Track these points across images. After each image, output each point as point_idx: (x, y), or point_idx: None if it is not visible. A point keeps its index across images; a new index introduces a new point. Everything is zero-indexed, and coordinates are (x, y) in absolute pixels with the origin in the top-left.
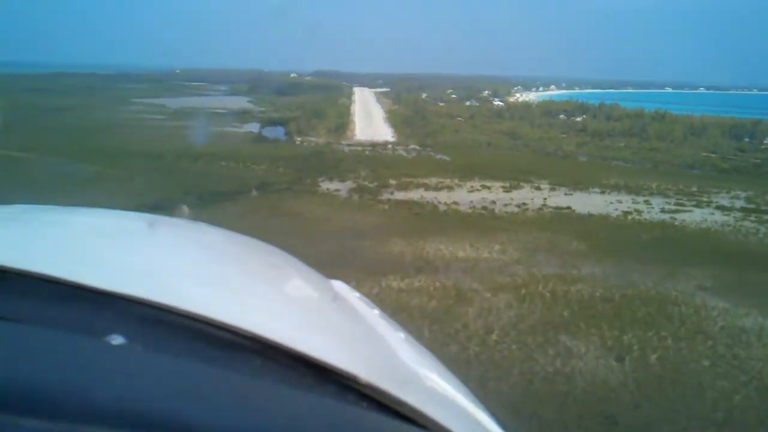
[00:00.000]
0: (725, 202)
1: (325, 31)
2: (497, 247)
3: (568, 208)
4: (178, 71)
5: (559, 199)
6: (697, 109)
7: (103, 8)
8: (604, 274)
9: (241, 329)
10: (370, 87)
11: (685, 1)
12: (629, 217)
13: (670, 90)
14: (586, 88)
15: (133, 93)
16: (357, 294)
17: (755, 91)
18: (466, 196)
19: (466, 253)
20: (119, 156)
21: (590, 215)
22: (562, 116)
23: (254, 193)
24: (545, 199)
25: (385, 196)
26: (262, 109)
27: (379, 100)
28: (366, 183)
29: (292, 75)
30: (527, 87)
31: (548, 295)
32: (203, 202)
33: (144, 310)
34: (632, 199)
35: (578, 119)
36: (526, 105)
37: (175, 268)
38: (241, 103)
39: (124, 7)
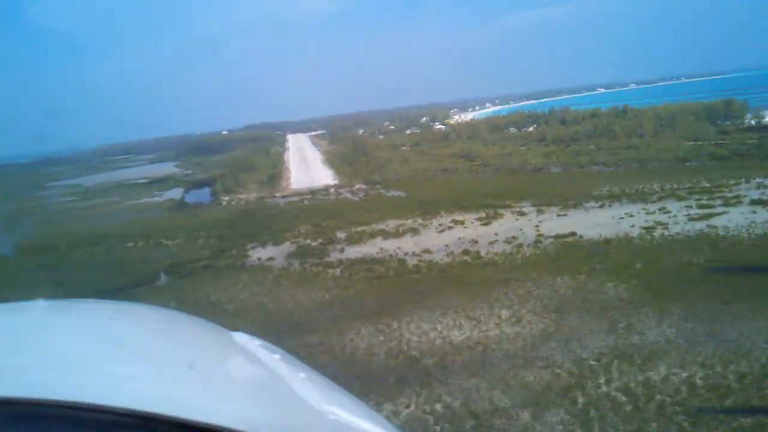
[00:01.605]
0: (755, 194)
1: (253, 84)
2: (506, 313)
3: (573, 234)
4: (105, 147)
5: (553, 223)
6: (642, 102)
7: (24, 95)
8: (684, 334)
9: (112, 408)
10: (305, 132)
11: (599, 4)
12: (656, 234)
13: (602, 90)
14: (521, 101)
15: (51, 176)
16: (258, 341)
17: (683, 80)
18: (438, 238)
19: (464, 334)
20: None
21: (606, 240)
22: (512, 129)
23: (162, 280)
24: (537, 226)
25: (334, 256)
26: (189, 171)
27: (314, 143)
28: (308, 242)
29: (223, 133)
30: (463, 109)
31: (625, 400)
32: None
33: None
34: (643, 208)
35: (530, 129)
36: (471, 124)
37: (37, 354)
38: (167, 169)
39: (45, 89)
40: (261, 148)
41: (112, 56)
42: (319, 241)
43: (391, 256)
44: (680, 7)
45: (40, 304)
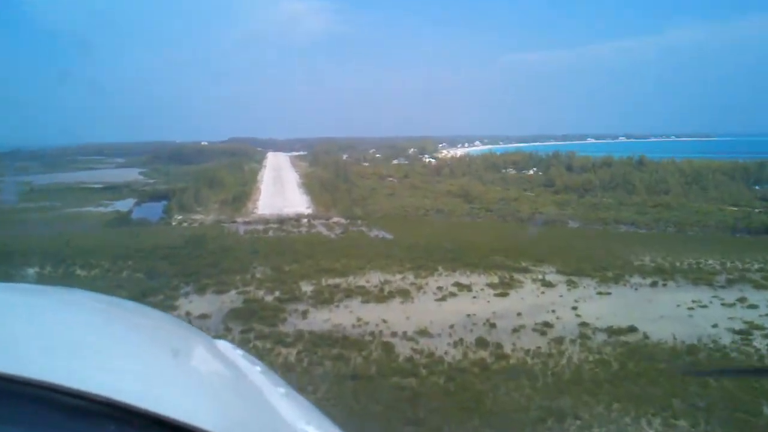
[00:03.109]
0: None
1: (242, 97)
2: None
3: (633, 329)
4: (80, 146)
5: (596, 306)
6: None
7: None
8: None
9: (90, 394)
10: (288, 152)
11: (595, 56)
12: (760, 346)
13: (592, 140)
14: (510, 143)
15: (4, 171)
16: (240, 352)
17: (673, 138)
18: (438, 311)
19: None
20: None
21: (689, 349)
22: (510, 170)
23: None
24: (575, 308)
25: (293, 323)
26: (151, 181)
27: (294, 164)
28: (261, 294)
29: (203, 143)
30: (452, 144)
31: None
32: None
33: None
34: (714, 296)
35: (530, 172)
36: (465, 159)
37: (30, 336)
38: (131, 175)
39: (31, 82)
40: (235, 164)
41: (102, 55)
42: (276, 294)
43: (372, 334)
44: (675, 66)
45: (27, 287)
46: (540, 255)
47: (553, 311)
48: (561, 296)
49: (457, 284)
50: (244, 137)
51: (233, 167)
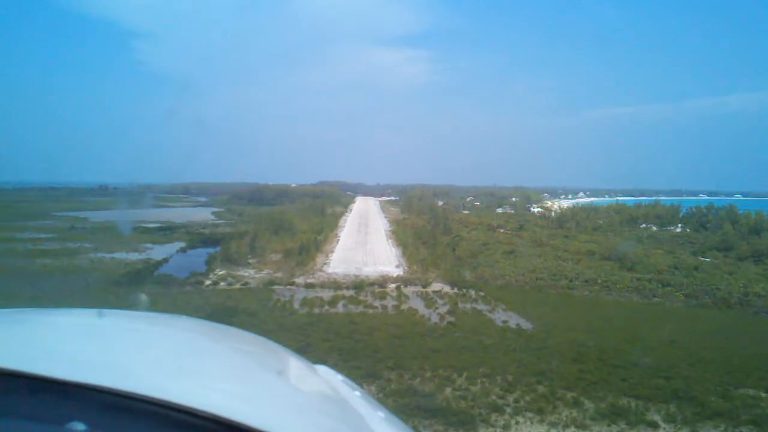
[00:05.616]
0: None
1: (332, 143)
2: None
3: None
4: (169, 185)
5: None
6: None
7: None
8: None
9: (202, 411)
10: (378, 197)
11: (701, 112)
12: None
13: (705, 197)
14: (615, 196)
15: (75, 205)
16: (340, 377)
17: None
18: None
19: None
20: None
21: None
22: (652, 226)
23: None
24: None
25: None
26: (221, 221)
27: (383, 209)
28: None
29: (292, 186)
30: (553, 195)
31: None
32: None
33: (106, 398)
34: None
35: (677, 229)
36: (588, 211)
37: (146, 358)
38: (202, 214)
39: (136, 124)
40: (316, 206)
41: (204, 99)
42: None
43: None
44: None
45: (136, 314)
46: None
47: None
48: None
49: None
50: (334, 180)
51: (312, 210)
